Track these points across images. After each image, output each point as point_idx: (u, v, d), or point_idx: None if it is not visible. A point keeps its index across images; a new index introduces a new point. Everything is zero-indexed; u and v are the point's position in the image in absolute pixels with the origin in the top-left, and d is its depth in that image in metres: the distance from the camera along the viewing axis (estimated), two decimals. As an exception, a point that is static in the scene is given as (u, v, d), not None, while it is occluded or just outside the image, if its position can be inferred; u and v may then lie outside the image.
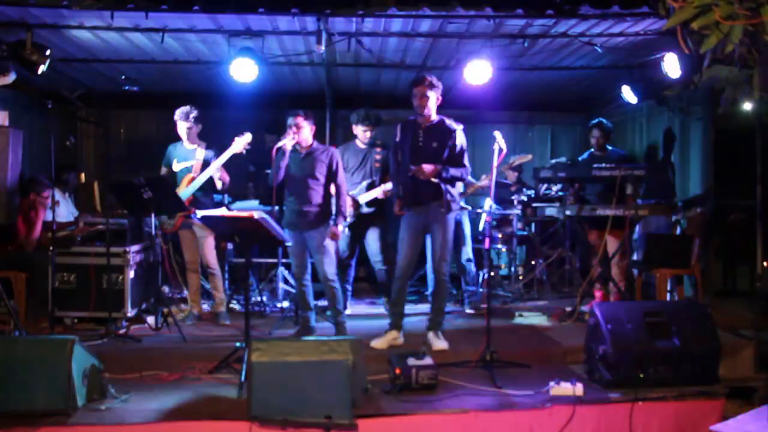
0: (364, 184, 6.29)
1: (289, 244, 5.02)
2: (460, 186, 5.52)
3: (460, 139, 5.28)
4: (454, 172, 5.19)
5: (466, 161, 5.32)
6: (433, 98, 5.22)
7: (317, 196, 5.42)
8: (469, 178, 5.70)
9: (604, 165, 6.09)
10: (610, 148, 6.78)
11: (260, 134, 7.87)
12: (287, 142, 5.30)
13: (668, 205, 6.57)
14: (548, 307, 6.65)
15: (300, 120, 5.36)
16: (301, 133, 5.37)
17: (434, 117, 5.29)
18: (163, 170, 6.14)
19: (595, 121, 6.78)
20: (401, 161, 5.34)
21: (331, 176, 5.46)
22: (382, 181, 6.33)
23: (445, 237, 5.22)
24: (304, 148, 5.45)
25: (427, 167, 5.11)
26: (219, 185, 6.03)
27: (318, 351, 3.93)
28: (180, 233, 6.13)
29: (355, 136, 6.44)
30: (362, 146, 6.41)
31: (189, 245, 6.13)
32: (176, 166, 6.07)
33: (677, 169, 7.40)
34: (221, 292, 6.20)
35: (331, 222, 5.43)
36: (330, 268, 5.45)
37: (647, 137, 8.16)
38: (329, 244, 5.42)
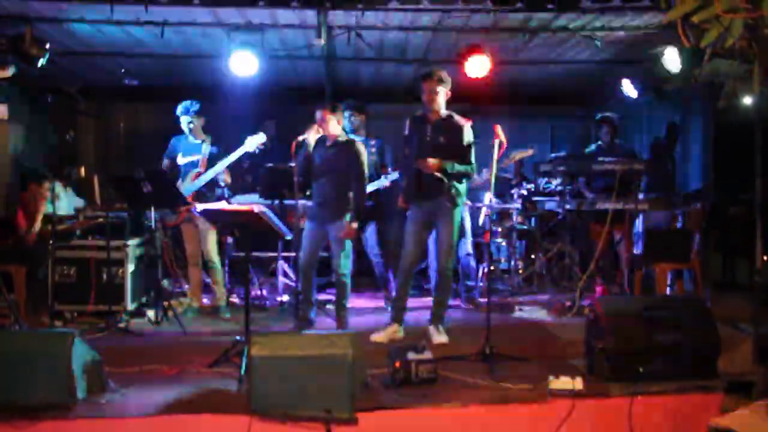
0: None
1: (289, 237, 5.02)
2: (465, 183, 5.51)
3: (468, 136, 5.28)
4: (458, 168, 5.17)
5: (472, 158, 5.31)
6: (443, 94, 5.22)
7: (339, 189, 5.36)
8: (474, 175, 5.71)
9: (603, 159, 6.08)
10: (618, 142, 6.79)
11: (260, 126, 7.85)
12: (309, 137, 5.30)
13: (668, 199, 6.58)
14: (548, 301, 6.66)
15: (326, 113, 5.32)
16: (327, 126, 5.33)
17: (443, 112, 5.29)
18: (165, 162, 6.13)
19: (601, 116, 6.78)
20: (408, 155, 5.35)
21: (353, 169, 5.36)
22: (379, 173, 6.34)
23: (450, 231, 5.23)
24: (330, 140, 5.44)
25: (431, 161, 5.10)
26: (222, 183, 6.06)
27: (318, 345, 3.93)
28: (182, 227, 6.13)
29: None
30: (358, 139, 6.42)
31: (191, 239, 6.13)
32: (181, 160, 6.08)
33: (677, 162, 7.40)
34: (221, 285, 6.21)
35: (347, 217, 5.36)
36: (345, 262, 5.42)
37: (647, 131, 8.15)
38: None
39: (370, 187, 6.27)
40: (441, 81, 5.19)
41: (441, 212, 5.22)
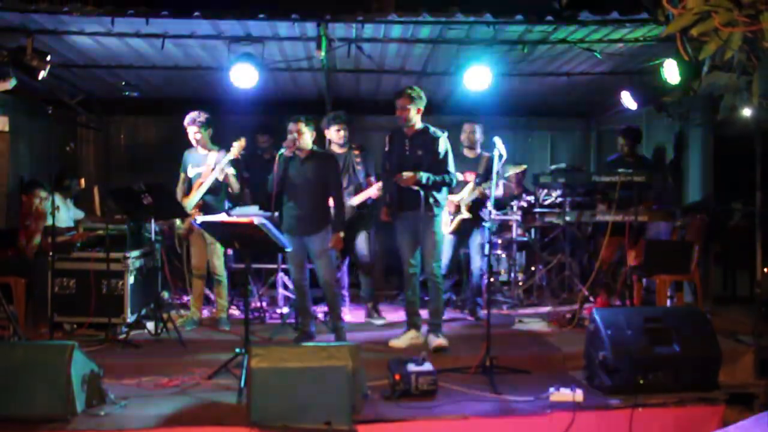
0: (352, 188, 6.29)
1: (289, 249, 5.02)
2: (445, 191, 5.57)
3: (444, 146, 5.44)
4: (435, 178, 5.30)
5: (451, 167, 5.45)
6: (414, 110, 5.39)
7: (316, 201, 5.44)
8: (484, 189, 5.79)
9: (604, 171, 6.10)
10: (639, 153, 6.87)
11: (255, 138, 7.86)
12: (287, 150, 5.32)
13: (668, 211, 6.57)
14: (548, 313, 6.65)
15: (301, 125, 5.37)
16: (302, 138, 5.38)
17: (418, 125, 5.45)
18: (181, 176, 6.14)
19: (622, 127, 6.91)
20: (389, 169, 5.52)
21: (330, 181, 5.48)
22: (367, 182, 6.34)
23: (433, 240, 5.37)
24: (304, 153, 5.46)
25: (406, 174, 5.24)
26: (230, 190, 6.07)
27: (317, 357, 3.93)
28: (191, 238, 6.12)
29: (329, 142, 6.47)
30: (339, 150, 6.36)
31: (198, 250, 6.11)
32: (190, 172, 6.08)
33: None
34: (224, 298, 6.18)
35: (331, 229, 5.44)
36: (330, 273, 5.47)
37: (646, 143, 8.16)
38: (329, 249, 5.43)
39: (360, 198, 6.27)
40: (411, 98, 5.36)
41: (422, 222, 5.33)
